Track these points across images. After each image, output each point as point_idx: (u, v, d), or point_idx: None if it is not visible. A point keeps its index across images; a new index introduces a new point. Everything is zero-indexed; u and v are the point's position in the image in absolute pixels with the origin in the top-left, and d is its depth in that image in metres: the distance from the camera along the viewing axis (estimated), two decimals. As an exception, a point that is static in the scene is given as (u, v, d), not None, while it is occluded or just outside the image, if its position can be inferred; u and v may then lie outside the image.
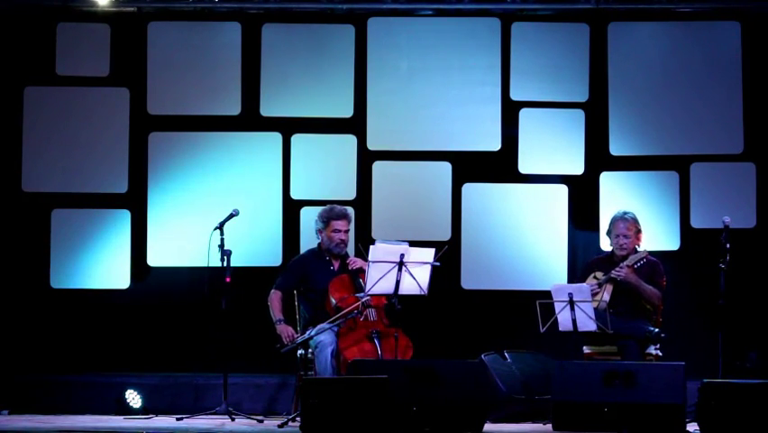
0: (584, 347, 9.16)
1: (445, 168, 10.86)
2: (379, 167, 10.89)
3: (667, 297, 9.34)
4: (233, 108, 10.90)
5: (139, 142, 10.87)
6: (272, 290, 9.26)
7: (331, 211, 9.31)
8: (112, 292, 10.79)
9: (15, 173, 10.84)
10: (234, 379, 9.61)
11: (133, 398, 9.99)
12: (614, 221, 9.36)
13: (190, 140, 10.90)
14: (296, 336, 9.04)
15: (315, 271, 9.28)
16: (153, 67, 10.90)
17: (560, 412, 8.23)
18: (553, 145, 10.83)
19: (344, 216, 9.31)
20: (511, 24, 10.87)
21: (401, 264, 8.69)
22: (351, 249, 9.43)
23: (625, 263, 9.15)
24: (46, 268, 10.77)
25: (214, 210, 10.09)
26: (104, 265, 10.80)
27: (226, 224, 9.49)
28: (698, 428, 8.05)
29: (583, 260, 10.09)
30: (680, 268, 10.29)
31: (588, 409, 8.16)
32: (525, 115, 10.86)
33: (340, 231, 9.26)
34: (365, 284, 8.85)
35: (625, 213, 9.35)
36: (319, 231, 9.33)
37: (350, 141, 10.90)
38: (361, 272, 9.15)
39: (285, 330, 9.08)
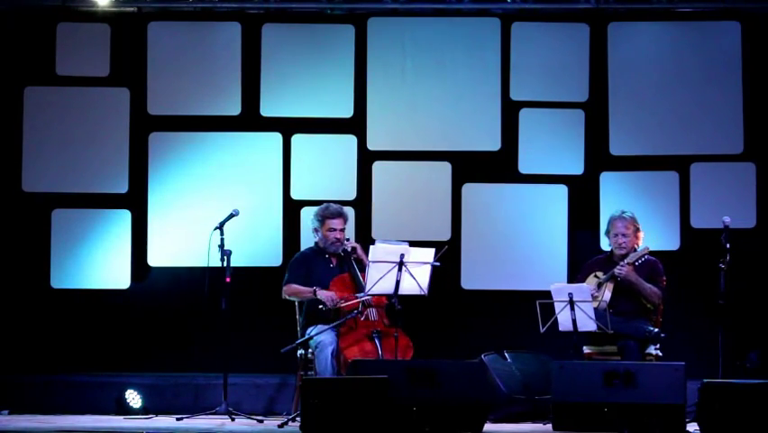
0: (584, 347, 9.16)
1: (445, 168, 10.86)
2: (379, 167, 10.89)
3: (667, 297, 9.35)
4: (233, 108, 10.90)
5: (139, 142, 10.87)
6: (285, 286, 9.20)
7: (326, 210, 9.31)
8: (112, 292, 10.79)
9: (15, 173, 10.84)
10: (234, 379, 9.61)
11: (133, 398, 9.99)
12: (612, 220, 9.36)
13: (190, 140, 10.90)
14: (337, 298, 8.96)
15: (315, 268, 9.28)
16: (153, 67, 10.90)
17: (560, 412, 8.23)
18: (553, 145, 10.83)
19: (340, 215, 9.30)
20: (511, 24, 10.87)
21: (401, 264, 8.70)
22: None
23: (626, 261, 9.15)
24: (46, 268, 10.77)
25: (214, 210, 10.09)
26: (104, 265, 10.80)
27: (226, 224, 9.50)
28: (698, 428, 8.05)
29: (583, 260, 10.07)
30: (680, 268, 10.28)
31: (588, 410, 8.16)
32: (525, 115, 10.86)
33: (335, 230, 9.25)
34: (365, 283, 8.86)
35: (623, 212, 9.35)
36: (315, 230, 9.34)
37: (350, 141, 10.90)
38: (356, 255, 9.15)
39: (327, 293, 9.00)
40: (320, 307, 8.99)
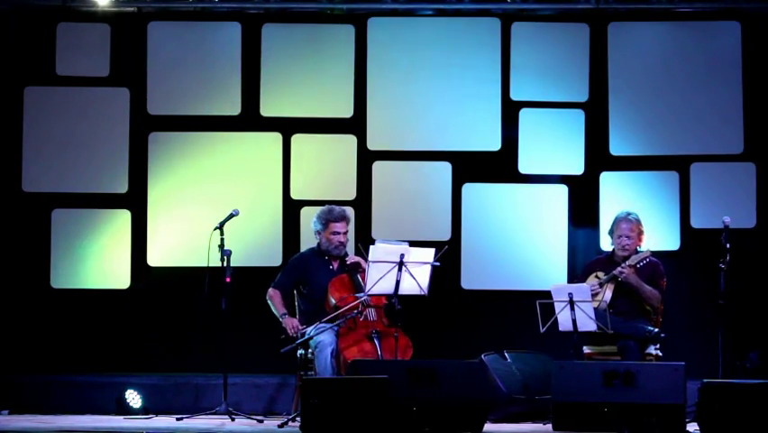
0: (584, 347, 9.16)
1: (445, 168, 10.86)
2: (379, 167, 10.89)
3: (667, 297, 9.35)
4: (233, 108, 10.90)
5: (139, 142, 10.88)
6: (271, 288, 9.26)
7: (329, 213, 9.29)
8: (112, 292, 10.79)
9: (15, 173, 10.84)
10: (234, 379, 9.61)
11: (133, 398, 9.98)
12: (617, 221, 9.35)
13: (190, 140, 10.90)
14: (300, 328, 9.02)
15: (315, 270, 9.28)
16: (153, 67, 10.90)
17: (560, 412, 8.23)
18: (553, 145, 10.83)
19: (343, 218, 9.30)
20: (511, 24, 10.87)
21: (401, 264, 8.70)
22: (351, 249, 9.42)
23: (627, 263, 9.15)
24: (46, 268, 10.77)
25: (214, 210, 10.09)
26: (104, 265, 10.80)
27: (226, 224, 9.50)
28: (698, 429, 8.05)
29: (583, 260, 10.10)
30: (680, 268, 10.28)
31: (588, 410, 8.16)
32: (525, 115, 10.86)
33: (339, 233, 9.24)
34: (365, 284, 8.85)
35: (628, 214, 9.34)
36: (318, 232, 9.33)
37: (350, 141, 10.90)
38: (360, 269, 9.15)
39: (290, 322, 9.07)
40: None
